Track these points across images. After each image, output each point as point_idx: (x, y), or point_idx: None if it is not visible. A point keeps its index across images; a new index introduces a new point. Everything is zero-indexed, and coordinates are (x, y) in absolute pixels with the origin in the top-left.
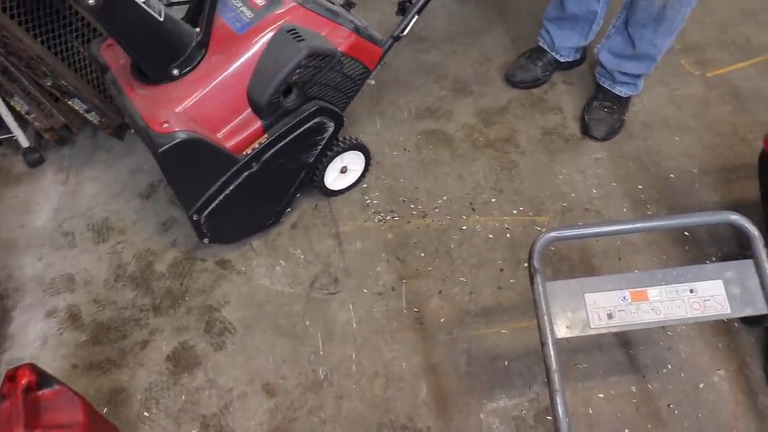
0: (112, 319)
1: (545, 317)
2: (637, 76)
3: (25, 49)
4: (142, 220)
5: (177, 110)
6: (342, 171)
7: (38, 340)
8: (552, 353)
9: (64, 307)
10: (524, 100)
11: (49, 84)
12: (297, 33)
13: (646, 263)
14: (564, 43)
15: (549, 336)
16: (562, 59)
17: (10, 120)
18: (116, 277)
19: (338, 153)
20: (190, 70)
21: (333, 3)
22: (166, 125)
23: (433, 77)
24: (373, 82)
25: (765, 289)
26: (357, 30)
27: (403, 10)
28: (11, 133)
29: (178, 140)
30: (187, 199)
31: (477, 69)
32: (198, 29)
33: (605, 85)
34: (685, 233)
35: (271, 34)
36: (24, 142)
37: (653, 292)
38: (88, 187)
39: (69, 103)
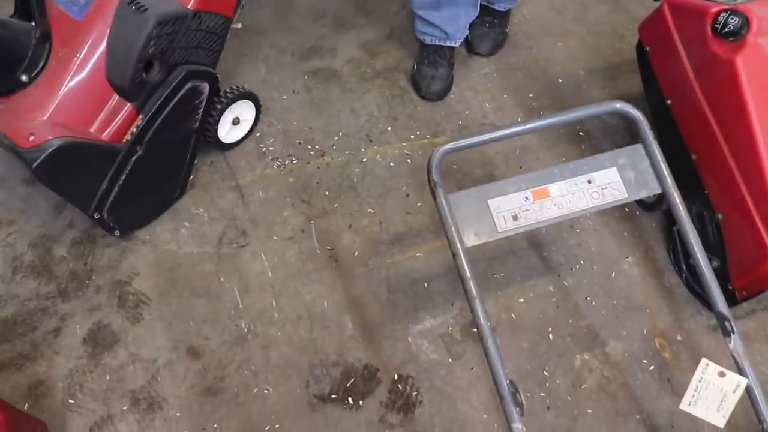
0: (17, 313)
1: (452, 228)
2: None
3: None
4: (32, 207)
5: (40, 118)
6: (234, 123)
7: None
8: (464, 262)
9: None
10: (406, 26)
11: None
12: (139, 3)
13: (547, 166)
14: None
15: (459, 246)
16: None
17: None
18: (13, 270)
19: (225, 107)
20: (39, 72)
21: None
22: (32, 138)
23: (311, 16)
24: (239, 26)
25: (656, 169)
26: None
27: None
28: None
29: (50, 150)
30: (81, 202)
31: (355, 1)
32: (33, 23)
33: (483, 2)
34: (580, 133)
35: (111, 11)
36: None
37: (554, 188)
38: None
39: None
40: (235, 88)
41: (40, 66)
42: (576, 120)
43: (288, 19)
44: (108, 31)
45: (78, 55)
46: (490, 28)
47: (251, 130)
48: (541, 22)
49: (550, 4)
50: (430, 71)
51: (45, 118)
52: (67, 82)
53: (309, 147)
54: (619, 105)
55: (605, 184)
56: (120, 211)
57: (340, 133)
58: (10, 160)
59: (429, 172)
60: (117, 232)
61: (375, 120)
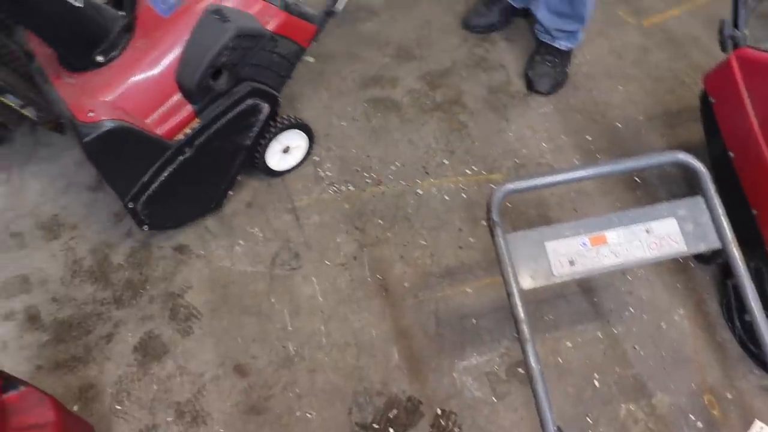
0: (73, 316)
1: (509, 269)
2: (576, 30)
3: None
4: (93, 213)
5: (103, 98)
6: (284, 151)
7: None
8: (519, 303)
9: (22, 309)
10: (468, 61)
11: None
12: (223, 13)
13: (602, 211)
14: None
15: (514, 287)
16: (516, 5)
17: None
18: (73, 273)
19: (276, 134)
20: (115, 56)
21: None
22: (91, 114)
23: (375, 45)
24: (312, 60)
25: (716, 224)
26: (287, 7)
27: None
28: None
29: (104, 129)
30: (120, 188)
31: (418, 33)
32: (122, 12)
33: (545, 40)
34: (636, 179)
35: (197, 16)
36: None
37: (611, 236)
38: (33, 184)
39: (2, 99)
40: (286, 117)
41: (117, 51)
42: (637, 168)
43: (352, 47)
44: (188, 33)
45: (154, 49)
46: (551, 67)
47: (304, 159)
48: (601, 65)
49: (611, 47)
50: (481, 8)
51: (108, 99)
52: (137, 71)
53: (366, 175)
54: (682, 156)
55: (664, 234)
56: (154, 207)
57: (397, 163)
58: (76, 167)
59: (489, 211)
60: (146, 227)
61: (432, 152)
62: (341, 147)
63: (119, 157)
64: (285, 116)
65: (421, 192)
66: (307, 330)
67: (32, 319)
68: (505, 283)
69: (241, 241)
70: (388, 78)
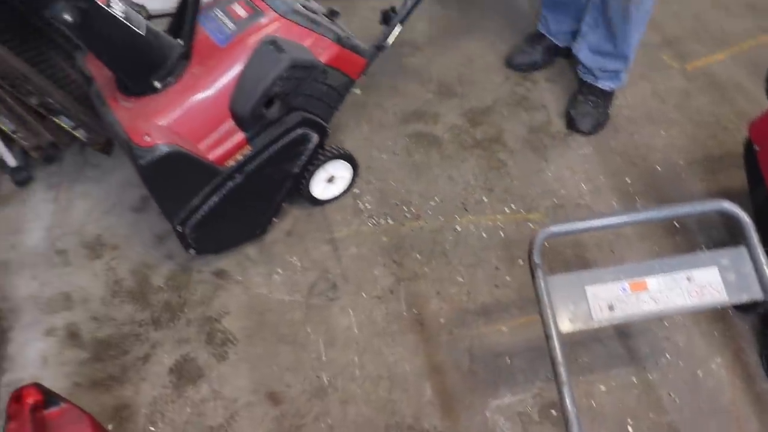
0: (112, 335)
1: (548, 311)
2: (619, 70)
3: (9, 69)
4: (136, 234)
5: (159, 123)
6: (329, 181)
7: (38, 359)
8: (557, 346)
9: (63, 326)
10: (509, 99)
11: (35, 102)
12: (278, 44)
13: (639, 255)
14: (560, 27)
15: (553, 329)
16: (560, 44)
17: None
18: (113, 293)
19: (322, 163)
20: (172, 82)
21: (316, 13)
22: (147, 138)
23: (418, 80)
24: (359, 92)
25: (759, 274)
26: (339, 40)
27: (386, 20)
28: None
29: (159, 153)
30: (171, 211)
31: (460, 70)
32: (180, 41)
33: (588, 80)
34: (675, 224)
35: (252, 46)
36: (11, 162)
37: (652, 282)
38: (80, 203)
39: (56, 120)
40: (333, 148)
41: (174, 78)
42: (680, 216)
43: (395, 81)
44: (243, 62)
45: (210, 77)
46: (593, 107)
47: (347, 190)
48: (643, 108)
49: (654, 90)
50: (524, 47)
51: (164, 123)
52: (193, 97)
53: (405, 209)
54: (727, 205)
55: (705, 283)
56: (202, 232)
57: (437, 199)
58: (121, 189)
59: (530, 253)
60: (192, 251)
61: (471, 189)
62: (381, 180)
63: (172, 180)
64: (332, 146)
65: (459, 228)
66: (342, 361)
67: (72, 336)
68: (544, 325)
69: (279, 270)
70: (429, 113)
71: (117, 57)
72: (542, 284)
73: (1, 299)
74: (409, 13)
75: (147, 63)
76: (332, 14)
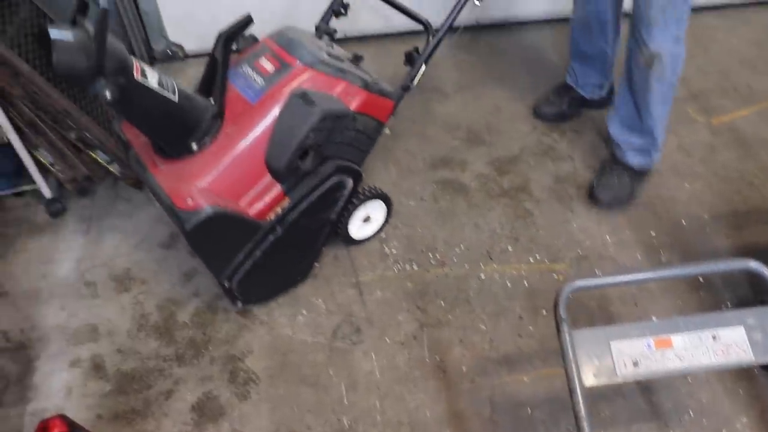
0: (136, 369)
1: (572, 365)
2: (647, 149)
3: (53, 104)
4: (164, 270)
5: (199, 185)
6: (365, 220)
7: (62, 390)
8: (581, 400)
9: (88, 357)
10: (536, 149)
11: (73, 136)
12: (308, 97)
13: (663, 309)
14: (587, 80)
15: (577, 384)
16: (587, 95)
17: (34, 171)
18: (139, 327)
19: (360, 204)
20: (208, 143)
21: (341, 59)
22: (190, 201)
23: (446, 127)
24: (388, 132)
25: None
26: (367, 86)
27: (410, 61)
28: (34, 183)
29: (203, 216)
30: (217, 268)
31: (488, 118)
32: (212, 100)
33: (616, 153)
34: (700, 279)
35: (283, 101)
36: (47, 193)
37: (677, 340)
38: (110, 237)
39: (92, 154)
40: (372, 187)
41: (210, 138)
42: (706, 273)
43: (423, 128)
44: (275, 118)
45: (244, 135)
46: (617, 182)
47: (380, 230)
48: (669, 161)
49: (679, 144)
50: (552, 97)
51: (204, 185)
52: (229, 156)
53: (430, 255)
54: (753, 265)
55: (731, 342)
56: (247, 284)
57: (462, 246)
58: (151, 224)
59: (556, 307)
60: (239, 303)
61: (497, 238)
62: (408, 226)
63: (216, 240)
64: (368, 187)
65: (483, 277)
66: (363, 405)
67: (97, 368)
68: (568, 379)
69: (304, 311)
70: (457, 161)
71: (154, 125)
72: (567, 338)
73: (30, 328)
74: (431, 53)
75: (183, 127)
76: (356, 59)
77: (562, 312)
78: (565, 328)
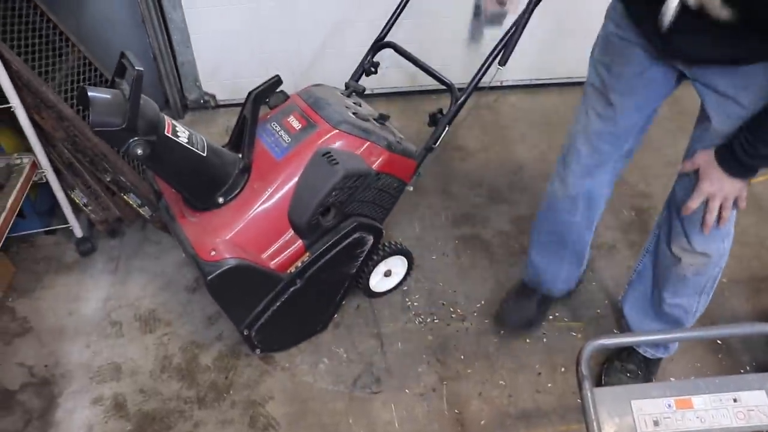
0: (157, 409)
1: (594, 423)
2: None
3: (91, 147)
4: (188, 313)
5: (223, 237)
6: (386, 275)
7: (83, 428)
8: None
9: (110, 396)
10: None
11: (108, 179)
12: (332, 156)
13: (681, 370)
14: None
15: None
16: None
17: (68, 212)
18: (162, 368)
19: (381, 259)
20: (234, 197)
21: (367, 119)
22: (213, 253)
23: (468, 184)
24: (411, 189)
25: None
26: (390, 146)
27: (434, 122)
28: (67, 223)
29: (225, 268)
30: (236, 317)
31: (510, 178)
32: (240, 155)
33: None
34: (719, 342)
35: (307, 158)
36: (78, 233)
37: (698, 401)
38: (137, 278)
39: (124, 197)
40: (394, 243)
41: (236, 192)
42: (725, 336)
43: (446, 184)
44: (300, 175)
45: (269, 190)
46: (631, 379)
47: (400, 284)
48: None
49: None
50: (513, 307)
51: (227, 237)
52: (254, 210)
53: (451, 309)
54: None
55: (752, 406)
56: (266, 333)
57: (483, 302)
58: (178, 267)
59: (578, 364)
60: (258, 351)
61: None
62: (429, 279)
63: (237, 290)
64: (390, 242)
65: (503, 332)
66: None
67: (118, 406)
68: None
69: (325, 359)
70: (479, 217)
71: (183, 180)
72: (589, 396)
73: (54, 364)
74: (455, 115)
75: (210, 182)
76: (382, 118)
77: (584, 369)
78: (587, 385)
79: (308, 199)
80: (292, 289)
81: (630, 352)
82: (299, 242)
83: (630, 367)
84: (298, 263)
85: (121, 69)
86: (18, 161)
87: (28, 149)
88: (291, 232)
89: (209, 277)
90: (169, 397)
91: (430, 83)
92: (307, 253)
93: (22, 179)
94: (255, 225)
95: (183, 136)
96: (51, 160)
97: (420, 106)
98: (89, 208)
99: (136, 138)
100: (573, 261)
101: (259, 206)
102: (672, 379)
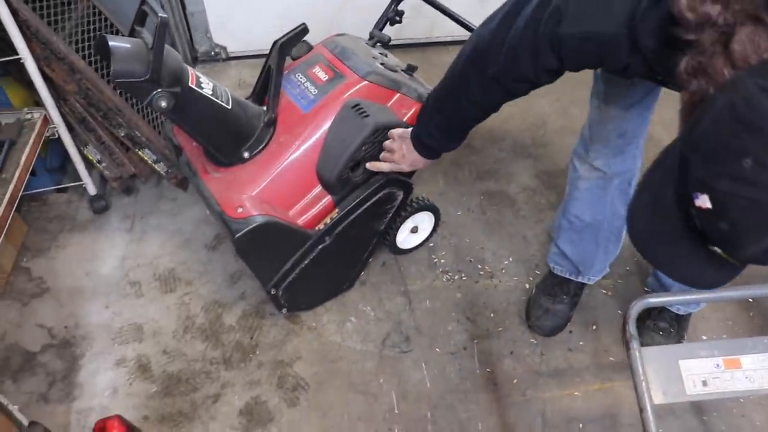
0: (183, 371)
1: (642, 383)
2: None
3: (105, 100)
4: (209, 272)
5: (250, 193)
6: (413, 231)
7: (108, 389)
8: (651, 418)
9: (133, 357)
10: None
11: (122, 134)
12: (361, 108)
13: (713, 329)
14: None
15: (647, 402)
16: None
17: (81, 168)
18: (185, 329)
19: (409, 215)
20: (260, 152)
21: (396, 70)
22: (240, 209)
23: (491, 138)
24: None
25: None
26: (420, 98)
27: None
28: (79, 180)
29: (253, 225)
30: (263, 276)
31: (534, 132)
32: (265, 108)
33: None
34: (750, 299)
35: (336, 111)
36: (91, 190)
37: (746, 360)
38: (154, 236)
39: (139, 153)
40: (421, 198)
41: (262, 146)
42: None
43: (469, 138)
44: (328, 128)
45: (296, 144)
46: (664, 337)
47: (426, 240)
48: None
49: None
50: (546, 302)
51: (254, 194)
52: (280, 165)
53: (479, 266)
54: None
55: None
56: (293, 292)
57: (510, 259)
58: (196, 224)
59: (625, 323)
60: (285, 311)
61: (546, 251)
62: (456, 235)
63: (265, 248)
64: (417, 197)
65: (533, 290)
66: (414, 415)
67: (142, 368)
68: (638, 396)
69: (353, 318)
70: (503, 172)
71: (207, 133)
72: (637, 355)
73: (74, 325)
74: None
75: (236, 136)
76: (410, 69)
77: (632, 329)
78: (635, 345)
79: (337, 153)
80: (320, 246)
81: (661, 310)
82: (327, 198)
83: (662, 324)
84: (327, 220)
85: (142, 16)
86: (29, 116)
87: (38, 104)
88: (319, 188)
89: (237, 235)
90: (194, 358)
91: (447, 35)
92: (336, 210)
93: (34, 135)
94: (282, 180)
95: (207, 88)
96: (63, 115)
97: (436, 58)
98: (103, 164)
99: (159, 90)
100: (609, 242)
101: (286, 161)
102: (704, 337)
